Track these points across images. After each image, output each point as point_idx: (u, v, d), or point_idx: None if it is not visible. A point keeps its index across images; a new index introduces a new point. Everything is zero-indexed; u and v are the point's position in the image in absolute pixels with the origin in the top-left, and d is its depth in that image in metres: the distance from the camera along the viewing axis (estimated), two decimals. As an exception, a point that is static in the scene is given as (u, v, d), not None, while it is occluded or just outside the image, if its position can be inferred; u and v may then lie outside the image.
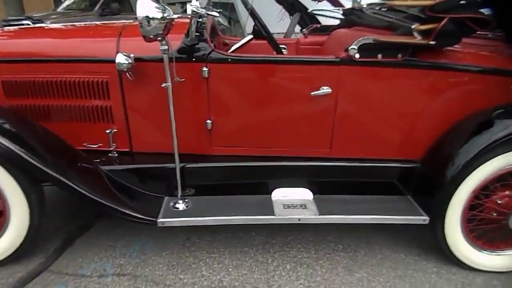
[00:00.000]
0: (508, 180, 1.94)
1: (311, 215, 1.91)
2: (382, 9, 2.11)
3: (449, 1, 1.74)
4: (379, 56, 1.86)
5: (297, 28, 3.39)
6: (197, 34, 1.85)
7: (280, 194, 2.03)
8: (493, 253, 2.06)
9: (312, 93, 1.88)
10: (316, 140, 2.05)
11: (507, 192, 1.95)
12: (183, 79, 1.83)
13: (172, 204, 1.95)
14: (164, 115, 1.95)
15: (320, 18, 3.28)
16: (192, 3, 1.73)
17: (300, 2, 3.29)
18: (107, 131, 2.02)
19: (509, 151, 1.83)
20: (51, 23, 6.86)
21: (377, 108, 2.00)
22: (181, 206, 1.93)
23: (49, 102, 2.03)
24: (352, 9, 2.77)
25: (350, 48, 1.82)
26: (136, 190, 2.02)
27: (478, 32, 1.98)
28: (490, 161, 1.84)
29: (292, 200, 2.00)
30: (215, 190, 2.08)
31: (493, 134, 1.81)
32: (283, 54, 2.29)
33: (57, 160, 1.84)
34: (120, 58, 1.79)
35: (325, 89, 1.88)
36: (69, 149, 1.99)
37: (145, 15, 1.55)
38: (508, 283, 2.02)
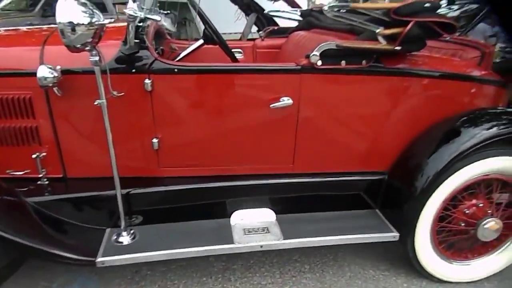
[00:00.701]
0: (475, 189, 1.88)
1: (274, 241, 1.73)
2: (343, 11, 1.97)
3: (414, 4, 1.62)
4: (343, 62, 1.71)
5: (254, 29, 3.23)
6: (137, 40, 1.59)
7: (240, 218, 1.83)
8: (461, 264, 2.02)
9: (271, 105, 1.69)
10: (277, 156, 1.87)
11: (474, 202, 1.90)
12: (122, 94, 1.57)
13: (114, 237, 1.69)
14: (99, 135, 1.67)
15: (277, 20, 3.12)
16: (128, 6, 1.47)
17: (256, 3, 3.14)
18: (34, 156, 1.70)
19: (476, 161, 1.77)
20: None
21: (341, 119, 1.86)
22: (125, 239, 1.68)
23: None
24: (311, 10, 2.62)
25: (311, 54, 1.65)
26: (72, 223, 1.72)
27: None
28: (458, 171, 1.78)
29: (253, 224, 1.81)
30: (166, 215, 1.84)
31: (460, 144, 1.74)
32: (238, 60, 2.07)
33: None
34: (43, 72, 1.49)
35: (286, 100, 1.69)
36: None
37: (68, 21, 1.27)
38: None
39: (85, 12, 1.30)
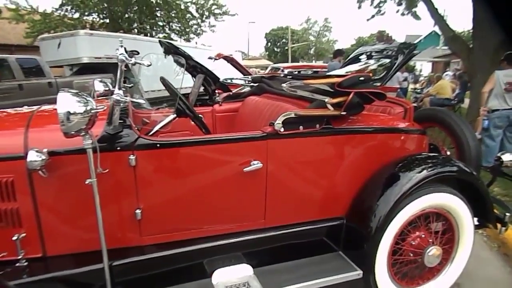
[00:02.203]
0: (417, 222, 2.23)
1: None
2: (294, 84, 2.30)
3: (352, 78, 2.01)
4: (301, 127, 2.01)
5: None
6: (121, 121, 1.74)
7: (220, 276, 1.94)
8: (415, 290, 2.31)
9: (245, 169, 1.90)
10: (250, 213, 2.06)
11: (417, 233, 2.24)
12: (106, 170, 1.68)
13: None
14: (85, 211, 1.74)
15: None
16: (115, 92, 1.63)
17: (202, 65, 3.37)
18: (14, 238, 1.69)
19: (415, 199, 2.13)
20: None
21: (303, 174, 2.12)
22: None
23: None
24: (262, 77, 2.96)
25: (275, 123, 1.93)
26: None
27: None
28: (403, 209, 2.11)
29: (233, 281, 1.93)
30: (149, 283, 1.89)
31: (401, 187, 2.09)
32: (210, 132, 2.28)
33: None
34: (32, 156, 1.55)
35: (256, 163, 1.92)
36: None
37: (66, 110, 1.40)
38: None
39: (80, 102, 1.44)
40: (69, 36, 10.54)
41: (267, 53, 54.32)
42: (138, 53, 1.83)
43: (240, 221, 2.04)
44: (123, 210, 1.82)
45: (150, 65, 1.73)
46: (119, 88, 1.70)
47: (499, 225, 2.41)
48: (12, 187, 1.68)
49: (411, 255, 2.23)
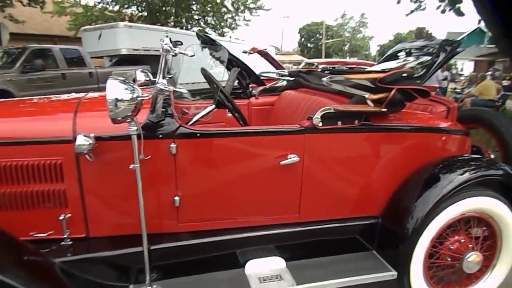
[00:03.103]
0: (456, 226, 2.15)
1: (288, 287, 1.88)
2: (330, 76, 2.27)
3: (394, 74, 1.96)
4: (339, 123, 1.98)
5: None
6: (163, 109, 1.79)
7: (254, 267, 1.97)
8: (451, 296, 2.23)
9: (281, 163, 1.91)
10: (285, 207, 2.06)
11: (456, 238, 2.16)
12: (149, 157, 1.73)
13: None
14: (126, 195, 1.80)
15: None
16: (159, 81, 1.68)
17: (238, 58, 3.38)
18: (61, 218, 1.79)
19: (455, 202, 2.05)
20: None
21: (339, 170, 2.10)
22: None
23: None
24: (299, 71, 2.94)
25: (314, 117, 1.92)
26: (96, 282, 1.78)
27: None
28: (442, 212, 2.04)
29: (266, 272, 1.95)
30: (184, 269, 1.94)
31: (442, 189, 2.02)
32: (248, 124, 2.30)
33: None
34: (81, 140, 1.63)
35: (293, 157, 1.92)
36: (12, 242, 1.70)
37: (114, 97, 1.46)
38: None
39: (127, 89, 1.49)
40: (109, 28, 10.94)
41: (300, 48, 53.83)
42: (182, 43, 1.87)
43: (275, 214, 2.05)
44: (163, 196, 1.88)
45: (193, 56, 1.76)
46: (163, 77, 1.74)
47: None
48: (61, 169, 1.77)
49: (449, 259, 2.16)
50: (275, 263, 2.01)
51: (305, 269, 2.01)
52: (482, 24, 7.84)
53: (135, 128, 1.58)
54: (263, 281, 1.89)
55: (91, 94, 2.19)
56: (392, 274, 2.03)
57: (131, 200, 1.73)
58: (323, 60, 16.92)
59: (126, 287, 1.81)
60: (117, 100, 1.47)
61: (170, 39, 1.75)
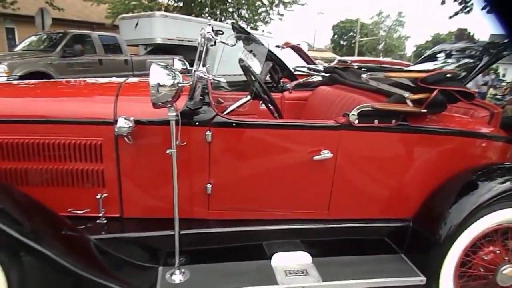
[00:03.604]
0: (492, 236, 2.06)
1: (314, 282, 1.87)
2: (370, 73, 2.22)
3: (438, 74, 1.89)
4: (376, 121, 1.94)
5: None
6: (201, 97, 1.81)
7: (280, 260, 1.97)
8: (481, 308, 2.15)
9: (314, 157, 1.89)
10: (315, 203, 2.05)
11: (491, 248, 2.07)
12: (185, 143, 1.77)
13: (168, 276, 1.81)
14: (161, 179, 1.85)
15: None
16: (199, 69, 1.70)
17: (272, 52, 3.36)
18: (97, 197, 1.86)
19: (492, 212, 1.96)
20: (9, 64, 6.47)
21: (372, 170, 2.06)
22: (177, 278, 1.80)
23: (33, 165, 1.84)
24: (334, 67, 2.90)
25: (350, 114, 1.88)
26: (127, 261, 1.85)
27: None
28: (478, 221, 1.96)
29: (293, 266, 1.95)
30: (211, 256, 1.97)
31: (479, 197, 1.94)
32: (282, 116, 2.30)
33: (35, 229, 1.64)
34: (121, 123, 1.69)
35: (326, 153, 1.90)
36: (51, 216, 1.79)
37: (157, 82, 1.49)
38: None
39: (169, 75, 1.52)
40: (146, 17, 11.17)
41: (333, 45, 53.00)
42: (223, 33, 1.88)
43: (304, 209, 2.04)
44: (196, 183, 1.92)
45: (234, 45, 1.78)
46: (203, 65, 1.76)
47: None
48: (100, 150, 1.84)
49: (482, 270, 2.07)
50: (302, 258, 2.00)
51: (331, 266, 1.99)
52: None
53: (174, 113, 1.61)
54: (289, 274, 1.90)
55: (131, 79, 2.25)
56: (420, 279, 1.98)
57: (165, 184, 1.78)
58: (356, 58, 16.59)
59: (155, 268, 1.86)
60: (159, 85, 1.50)
61: (212, 27, 1.77)
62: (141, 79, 2.23)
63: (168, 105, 1.57)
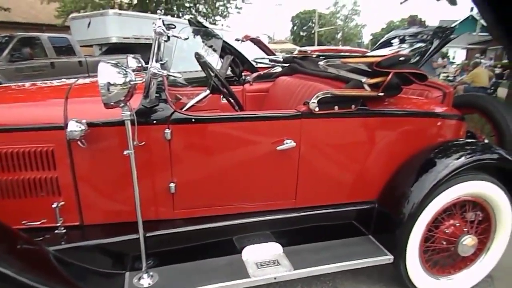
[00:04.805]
0: (451, 210, 2.16)
1: (286, 272, 1.87)
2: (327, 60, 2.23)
3: (392, 58, 1.93)
4: (336, 108, 1.96)
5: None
6: (157, 95, 1.75)
7: (250, 253, 1.96)
8: (447, 279, 2.26)
9: (278, 148, 1.88)
10: (281, 193, 2.05)
11: (452, 222, 2.17)
12: (143, 143, 1.70)
13: (136, 280, 1.74)
14: (121, 182, 1.77)
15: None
16: (152, 65, 1.64)
17: (231, 45, 3.33)
18: (53, 206, 1.75)
19: (451, 187, 2.05)
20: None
21: (336, 156, 2.09)
22: (145, 281, 1.74)
23: None
24: (293, 57, 2.90)
25: (310, 102, 1.89)
26: (91, 269, 1.76)
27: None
28: (438, 197, 2.04)
29: (263, 258, 1.95)
30: (180, 256, 1.92)
31: (437, 173, 2.01)
32: (243, 109, 2.27)
33: None
34: (72, 126, 1.59)
35: (289, 142, 1.90)
36: (3, 230, 1.67)
37: (107, 81, 1.41)
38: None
39: (120, 73, 1.45)
40: (98, 15, 10.72)
41: (293, 37, 53.48)
42: (175, 26, 1.82)
43: (271, 199, 2.04)
44: (158, 183, 1.85)
45: (187, 39, 1.72)
46: (156, 61, 1.70)
47: (539, 217, 2.30)
48: (53, 157, 1.73)
49: (444, 243, 2.17)
50: (272, 249, 2.00)
51: (302, 254, 2.01)
52: (475, 12, 7.83)
53: (129, 113, 1.54)
54: (260, 266, 1.89)
55: (82, 80, 2.14)
56: (388, 258, 2.04)
57: (126, 187, 1.71)
58: (316, 47, 16.81)
59: (122, 274, 1.79)
60: (109, 84, 1.43)
61: (163, 21, 1.70)
62: (92, 80, 2.12)
63: (121, 105, 1.50)
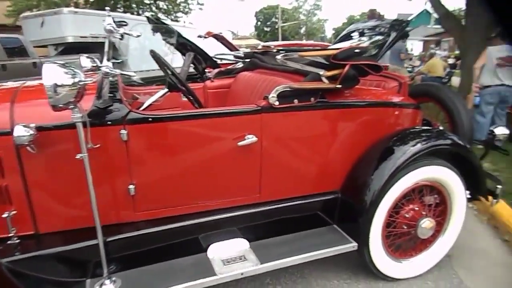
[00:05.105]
0: (410, 195, 2.24)
1: (252, 267, 1.88)
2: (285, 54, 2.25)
3: (347, 50, 1.97)
4: (295, 101, 1.97)
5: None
6: (110, 94, 1.68)
7: (216, 250, 1.95)
8: (409, 261, 2.35)
9: (239, 143, 1.87)
10: (245, 188, 2.04)
11: (411, 206, 2.26)
12: (98, 145, 1.63)
13: (97, 287, 1.68)
14: (76, 187, 1.70)
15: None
16: (103, 63, 1.57)
17: (192, 42, 3.28)
18: (4, 215, 1.65)
19: (408, 173, 2.13)
20: None
21: (298, 148, 2.11)
22: (108, 287, 1.69)
23: None
24: (254, 52, 2.89)
25: (270, 96, 1.89)
26: (49, 279, 1.68)
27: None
28: (397, 183, 2.12)
29: (230, 254, 1.94)
30: (144, 258, 1.87)
31: (396, 160, 2.09)
32: (202, 106, 2.23)
33: None
34: (20, 131, 1.49)
35: (251, 138, 1.89)
36: None
37: (53, 83, 1.34)
38: (422, 285, 2.32)
39: (67, 73, 1.38)
40: (52, 14, 10.20)
41: (257, 32, 53.53)
42: (127, 24, 1.75)
43: (235, 195, 2.03)
44: (116, 186, 1.79)
45: (139, 36, 1.67)
46: (108, 60, 1.63)
47: (490, 198, 2.45)
48: (0, 164, 1.63)
49: (405, 227, 2.26)
50: (239, 245, 2.00)
51: (268, 248, 2.02)
52: (428, 6, 8.16)
53: (80, 115, 1.47)
54: (226, 263, 1.88)
55: (30, 82, 2.02)
56: (352, 245, 2.09)
57: (82, 192, 1.63)
58: (279, 42, 16.91)
59: (82, 282, 1.72)
60: (56, 85, 1.35)
61: (113, 19, 1.64)
62: (41, 82, 2.00)
63: (71, 106, 1.43)
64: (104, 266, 1.69)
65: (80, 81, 1.39)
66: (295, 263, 1.97)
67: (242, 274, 1.85)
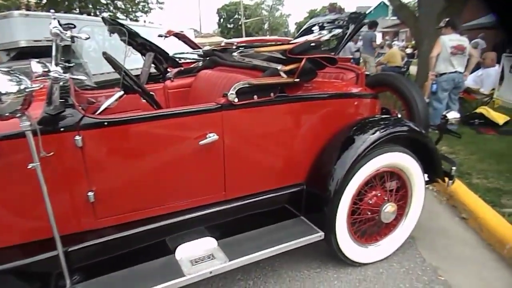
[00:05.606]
0: (373, 182, 2.32)
1: (221, 264, 1.87)
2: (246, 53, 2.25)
3: (303, 44, 2.00)
4: (255, 97, 1.98)
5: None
6: (61, 100, 1.61)
7: (184, 251, 1.93)
8: (374, 246, 2.44)
9: (200, 142, 1.86)
10: (210, 187, 2.03)
11: (374, 193, 2.34)
12: (52, 153, 1.57)
13: None
14: (31, 198, 1.62)
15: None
16: (52, 68, 1.51)
17: (151, 42, 3.22)
18: None
19: (369, 160, 2.20)
20: None
21: (261, 144, 2.12)
22: None
23: None
24: (213, 50, 2.87)
25: (229, 93, 1.89)
26: None
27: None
28: (359, 171, 2.18)
29: (198, 254, 1.93)
30: (110, 266, 1.82)
31: (357, 149, 2.15)
32: (161, 106, 2.19)
33: None
34: None
35: (212, 136, 1.88)
36: None
37: None
38: (389, 267, 2.41)
39: (12, 80, 1.31)
40: (1, 18, 9.64)
41: (220, 29, 53.17)
42: (75, 26, 1.69)
43: (200, 195, 2.01)
44: (75, 193, 1.73)
45: (88, 38, 1.61)
46: (56, 65, 1.57)
47: (447, 179, 2.58)
48: None
49: (369, 213, 2.33)
50: (207, 244, 1.99)
51: (237, 245, 2.02)
52: (384, -3, 8.42)
53: (28, 123, 1.40)
54: (195, 263, 1.87)
55: None
56: (319, 235, 2.13)
57: (37, 202, 1.56)
58: (243, 39, 16.89)
59: None
60: (0, 94, 1.29)
61: (58, 21, 1.57)
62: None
63: (18, 115, 1.36)
64: (66, 277, 1.63)
65: (26, 88, 1.33)
66: (264, 257, 1.99)
67: (211, 272, 1.85)
